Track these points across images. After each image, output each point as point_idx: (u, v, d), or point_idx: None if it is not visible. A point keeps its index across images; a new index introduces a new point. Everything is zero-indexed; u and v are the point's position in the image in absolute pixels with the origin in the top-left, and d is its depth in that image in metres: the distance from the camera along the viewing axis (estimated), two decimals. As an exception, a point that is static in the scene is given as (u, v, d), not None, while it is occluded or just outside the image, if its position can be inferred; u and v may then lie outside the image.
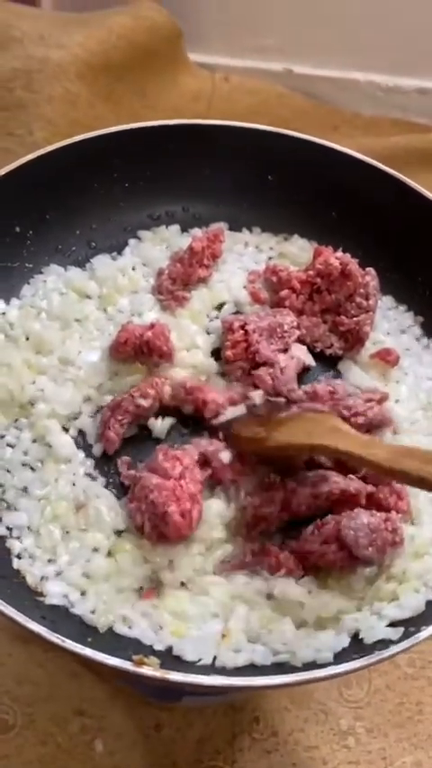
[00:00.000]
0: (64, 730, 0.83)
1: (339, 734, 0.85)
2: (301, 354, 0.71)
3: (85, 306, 0.75)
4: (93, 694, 0.85)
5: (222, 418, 0.66)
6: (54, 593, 0.59)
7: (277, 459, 0.65)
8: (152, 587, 0.60)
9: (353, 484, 0.61)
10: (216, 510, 0.62)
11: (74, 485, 0.64)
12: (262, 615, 0.56)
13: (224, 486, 0.64)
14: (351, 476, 0.63)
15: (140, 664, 0.46)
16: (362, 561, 0.58)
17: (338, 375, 0.74)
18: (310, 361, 0.73)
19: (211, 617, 0.56)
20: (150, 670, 0.45)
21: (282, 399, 0.66)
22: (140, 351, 0.70)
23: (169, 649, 0.54)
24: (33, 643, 0.89)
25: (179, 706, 0.84)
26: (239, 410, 0.66)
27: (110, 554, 0.61)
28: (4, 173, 0.72)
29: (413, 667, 0.90)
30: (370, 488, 0.62)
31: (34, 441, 0.67)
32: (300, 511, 0.62)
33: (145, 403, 0.67)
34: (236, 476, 0.64)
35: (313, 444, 0.60)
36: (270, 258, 0.83)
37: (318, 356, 0.75)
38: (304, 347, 0.73)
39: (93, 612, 0.58)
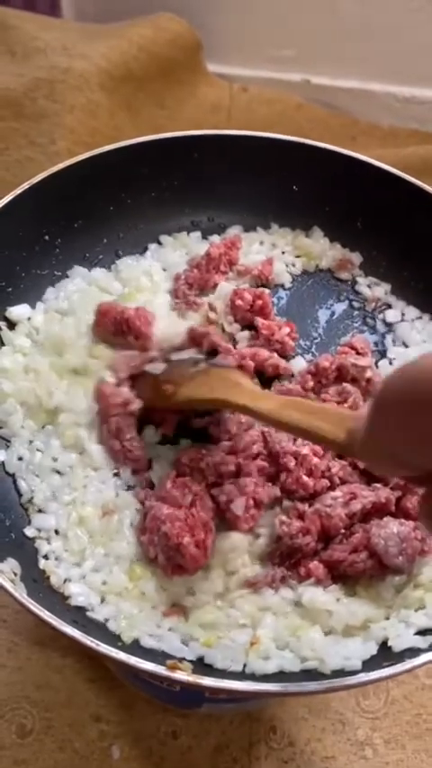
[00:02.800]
0: (81, 736, 0.83)
1: (356, 744, 0.85)
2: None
3: (105, 300, 0.75)
4: (110, 701, 0.86)
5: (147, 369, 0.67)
6: (77, 594, 0.59)
7: (185, 412, 0.67)
8: (174, 608, 0.60)
9: (382, 494, 0.61)
10: (240, 544, 0.61)
11: (101, 492, 0.65)
12: (290, 623, 0.56)
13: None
14: (376, 484, 0.63)
15: (174, 668, 0.46)
16: (391, 570, 0.57)
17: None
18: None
19: (240, 627, 0.56)
20: (184, 675, 0.46)
21: (191, 356, 0.66)
22: (120, 329, 0.71)
23: (200, 659, 0.54)
24: (51, 648, 0.89)
25: (196, 713, 0.84)
26: (158, 366, 0.67)
27: (131, 578, 0.61)
28: (35, 182, 0.72)
29: (431, 678, 0.89)
30: (396, 494, 0.62)
31: (64, 448, 0.67)
32: (337, 533, 0.61)
33: (134, 407, 0.66)
34: (251, 522, 0.62)
35: (213, 398, 0.62)
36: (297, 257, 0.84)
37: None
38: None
39: (114, 621, 0.58)
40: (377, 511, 0.60)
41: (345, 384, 0.68)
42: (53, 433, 0.68)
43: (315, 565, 0.58)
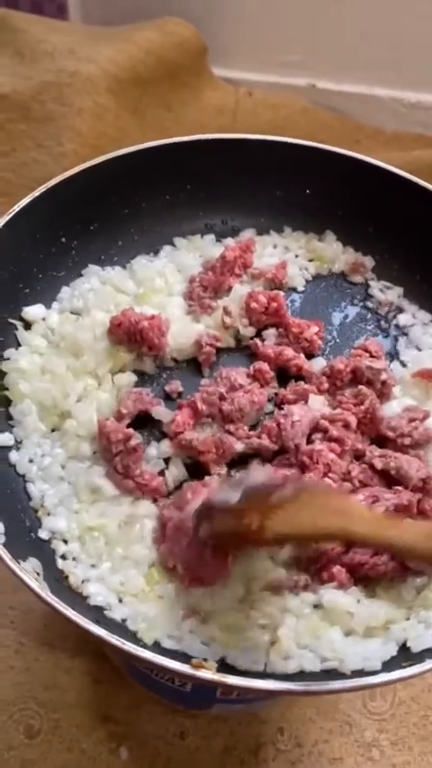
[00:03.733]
0: (89, 737, 0.83)
1: (364, 746, 0.85)
2: (319, 406, 0.68)
3: (120, 300, 0.76)
4: (119, 701, 0.86)
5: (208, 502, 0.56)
6: (95, 593, 0.59)
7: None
8: (193, 612, 0.59)
9: (404, 496, 0.61)
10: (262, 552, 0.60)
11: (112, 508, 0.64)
12: (310, 624, 0.56)
13: None
14: (397, 487, 0.63)
15: (199, 667, 0.46)
16: (413, 571, 0.57)
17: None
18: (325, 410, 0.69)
19: (260, 628, 0.56)
20: (209, 674, 0.46)
21: (278, 480, 0.54)
22: (134, 338, 0.70)
23: (220, 659, 0.55)
24: (59, 649, 0.89)
25: (204, 715, 0.84)
26: (228, 494, 0.53)
27: (148, 582, 0.61)
28: (51, 185, 0.73)
29: (438, 680, 0.90)
30: (417, 496, 0.62)
31: (69, 457, 0.67)
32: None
33: (135, 442, 0.65)
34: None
35: (323, 532, 0.51)
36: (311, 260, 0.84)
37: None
38: (322, 398, 0.70)
39: (133, 622, 0.58)
40: (399, 512, 0.60)
41: (360, 387, 0.69)
42: (60, 439, 0.68)
43: (338, 569, 0.58)
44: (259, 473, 0.55)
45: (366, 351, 0.72)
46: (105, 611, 0.58)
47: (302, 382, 0.71)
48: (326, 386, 0.70)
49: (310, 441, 0.66)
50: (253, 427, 0.69)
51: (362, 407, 0.66)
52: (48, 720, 0.85)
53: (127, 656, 0.45)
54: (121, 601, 0.59)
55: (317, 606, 0.58)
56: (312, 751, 0.85)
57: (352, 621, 0.56)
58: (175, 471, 0.66)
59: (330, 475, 0.62)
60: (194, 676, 0.45)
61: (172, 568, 0.59)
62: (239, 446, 0.66)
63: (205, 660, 0.50)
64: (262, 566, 0.58)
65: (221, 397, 0.67)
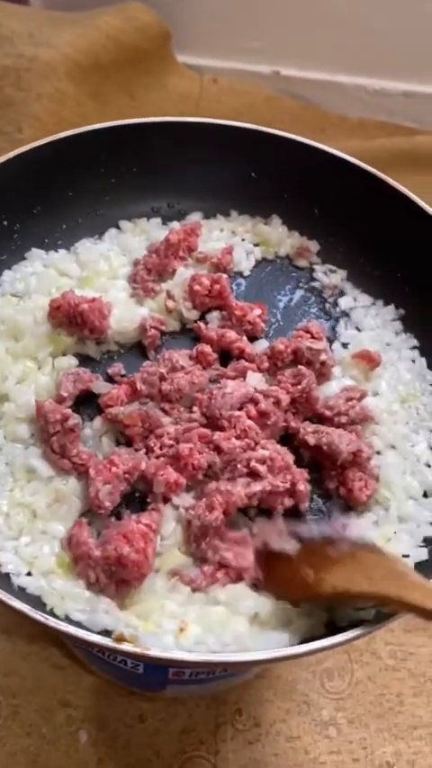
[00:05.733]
0: (48, 721, 0.84)
1: (321, 724, 0.86)
2: (256, 383, 0.69)
3: (63, 284, 0.75)
4: (77, 686, 0.86)
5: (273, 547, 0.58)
6: (6, 562, 0.59)
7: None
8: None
9: (281, 483, 0.62)
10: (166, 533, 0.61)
11: (46, 486, 0.64)
12: (217, 612, 0.57)
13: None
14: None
15: (121, 640, 0.47)
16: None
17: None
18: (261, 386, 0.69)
19: (171, 617, 0.56)
20: (130, 646, 0.46)
21: (322, 533, 0.56)
22: (74, 321, 0.70)
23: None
24: (17, 635, 0.89)
25: (163, 697, 0.85)
26: (292, 544, 0.56)
27: (59, 564, 0.60)
28: (-8, 166, 0.72)
29: (394, 659, 0.91)
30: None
31: (6, 439, 0.67)
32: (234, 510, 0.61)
33: (73, 422, 0.65)
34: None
35: (377, 594, 0.51)
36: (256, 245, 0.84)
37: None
38: (260, 375, 0.70)
39: (48, 597, 0.57)
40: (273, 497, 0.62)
41: (300, 367, 0.69)
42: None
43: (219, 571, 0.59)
44: (317, 526, 0.57)
45: (308, 332, 0.73)
46: (12, 579, 0.58)
47: (244, 362, 0.72)
48: (266, 365, 0.71)
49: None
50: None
51: (299, 387, 0.67)
52: (7, 706, 0.85)
53: (46, 628, 0.45)
54: (30, 574, 0.59)
55: (220, 599, 0.58)
56: (270, 730, 0.86)
57: (253, 614, 0.57)
58: (106, 449, 0.66)
59: (246, 440, 0.63)
60: (116, 649, 0.45)
61: (94, 583, 0.58)
62: (167, 420, 0.66)
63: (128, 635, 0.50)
64: (170, 555, 0.60)
65: (162, 378, 0.68)
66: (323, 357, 0.69)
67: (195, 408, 0.67)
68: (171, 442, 0.64)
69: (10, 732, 0.83)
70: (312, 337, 0.72)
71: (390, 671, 0.90)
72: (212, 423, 0.65)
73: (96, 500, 0.61)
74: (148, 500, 0.63)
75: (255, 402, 0.66)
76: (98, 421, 0.67)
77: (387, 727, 0.86)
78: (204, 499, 0.61)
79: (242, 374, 0.70)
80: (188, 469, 0.63)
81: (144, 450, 0.65)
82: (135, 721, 0.85)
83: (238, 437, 0.63)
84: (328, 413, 0.67)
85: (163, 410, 0.67)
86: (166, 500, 0.63)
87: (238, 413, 0.65)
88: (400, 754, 0.85)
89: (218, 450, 0.63)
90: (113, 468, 0.62)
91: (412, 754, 0.84)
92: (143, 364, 0.71)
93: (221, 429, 0.64)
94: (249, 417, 0.64)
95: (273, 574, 0.57)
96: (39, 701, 0.85)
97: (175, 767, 0.82)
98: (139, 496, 0.65)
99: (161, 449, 0.64)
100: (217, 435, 0.63)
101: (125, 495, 0.63)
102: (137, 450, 0.65)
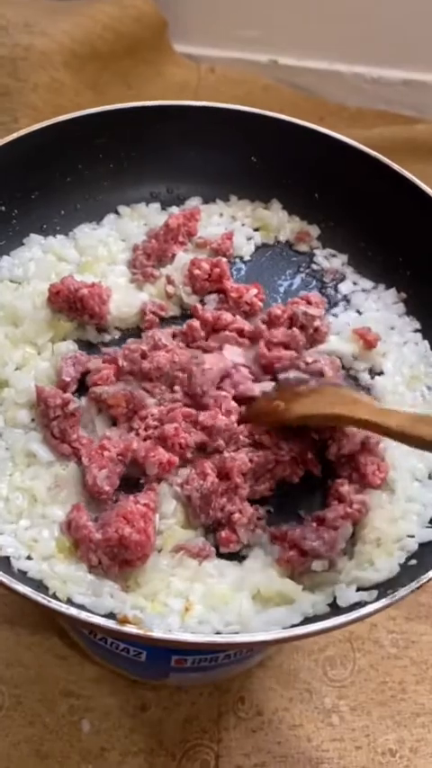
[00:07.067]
0: (51, 711, 0.84)
1: (324, 712, 0.86)
2: (235, 357, 0.70)
3: (62, 269, 0.75)
4: (80, 676, 0.86)
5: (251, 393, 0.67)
6: (5, 545, 0.59)
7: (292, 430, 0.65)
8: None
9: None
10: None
11: (47, 470, 0.64)
12: (221, 590, 0.57)
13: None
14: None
15: (124, 622, 0.46)
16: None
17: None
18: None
19: (175, 595, 0.57)
20: (134, 628, 0.46)
21: (297, 375, 0.67)
22: (74, 306, 0.70)
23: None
24: (20, 625, 0.89)
25: (165, 686, 0.85)
26: (267, 385, 0.67)
27: (59, 549, 0.60)
28: (-11, 151, 0.72)
29: (396, 647, 0.91)
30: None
31: (7, 425, 0.66)
32: (240, 474, 0.62)
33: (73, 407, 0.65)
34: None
35: (333, 414, 0.62)
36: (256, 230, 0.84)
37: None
38: (238, 348, 0.71)
39: (49, 580, 0.57)
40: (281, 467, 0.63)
41: (294, 329, 0.70)
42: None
43: (227, 533, 0.60)
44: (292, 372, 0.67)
45: (307, 300, 0.73)
46: (13, 562, 0.58)
47: (226, 332, 0.72)
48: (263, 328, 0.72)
49: (219, 388, 0.67)
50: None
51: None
52: (10, 696, 0.85)
53: (50, 611, 0.45)
54: (30, 558, 0.59)
55: (225, 573, 0.59)
56: (273, 719, 0.86)
57: (256, 590, 0.57)
58: (99, 431, 0.66)
59: (231, 417, 0.65)
60: (120, 631, 0.45)
61: (97, 565, 0.58)
62: (151, 401, 0.66)
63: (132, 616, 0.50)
64: (169, 530, 0.60)
65: (143, 355, 0.67)
66: (317, 323, 0.71)
67: (177, 388, 0.67)
68: (155, 423, 0.65)
69: (13, 722, 0.83)
70: (310, 304, 0.72)
71: (392, 659, 0.90)
72: (195, 401, 0.66)
73: (95, 486, 0.61)
74: (142, 480, 0.64)
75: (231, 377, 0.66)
76: (84, 400, 0.67)
77: (390, 714, 0.86)
78: (196, 469, 0.62)
79: (225, 343, 0.70)
80: (176, 449, 0.63)
81: (130, 431, 0.65)
82: (138, 710, 0.85)
83: (225, 414, 0.64)
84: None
85: (145, 389, 0.67)
86: (160, 479, 0.63)
87: (224, 393, 0.66)
88: (403, 742, 0.85)
89: (207, 429, 0.64)
90: (106, 453, 0.62)
91: (415, 742, 0.84)
92: (127, 341, 0.70)
93: (205, 407, 0.65)
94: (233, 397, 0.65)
95: (252, 409, 0.67)
96: (41, 690, 0.85)
97: (178, 756, 0.82)
98: (132, 478, 0.65)
99: (146, 430, 0.64)
100: (203, 416, 0.64)
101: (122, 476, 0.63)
102: (128, 430, 0.65)
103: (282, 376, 0.67)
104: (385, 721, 0.86)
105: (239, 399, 0.67)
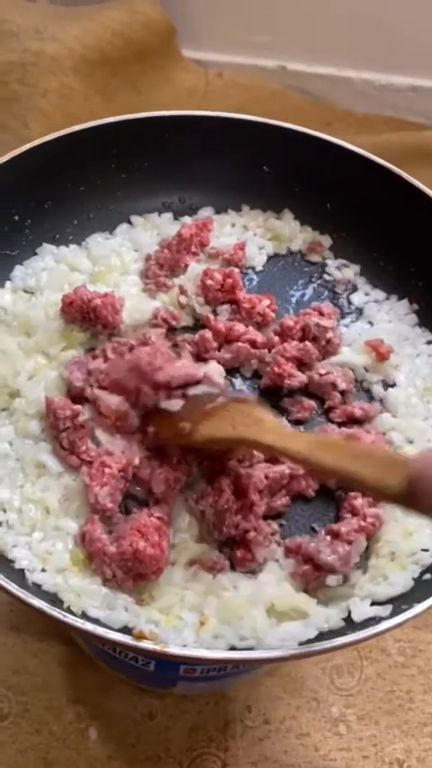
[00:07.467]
0: (58, 719, 0.84)
1: (331, 721, 0.86)
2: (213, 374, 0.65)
3: (74, 279, 0.75)
4: (87, 684, 0.86)
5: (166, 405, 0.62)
6: (20, 558, 0.59)
7: (203, 452, 0.63)
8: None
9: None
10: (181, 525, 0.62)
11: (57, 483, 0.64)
12: (236, 604, 0.57)
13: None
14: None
15: (140, 638, 0.46)
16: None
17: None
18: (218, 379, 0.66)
19: (189, 608, 0.57)
20: (150, 644, 0.46)
21: (208, 390, 0.61)
22: (87, 316, 0.70)
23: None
24: (27, 633, 0.89)
25: (172, 694, 0.85)
26: (175, 403, 0.61)
27: (74, 562, 0.60)
28: (3, 161, 0.72)
29: (404, 656, 0.91)
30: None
31: (18, 435, 0.66)
32: (256, 492, 0.62)
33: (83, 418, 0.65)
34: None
35: (237, 437, 0.59)
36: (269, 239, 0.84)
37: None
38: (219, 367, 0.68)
39: (64, 593, 0.57)
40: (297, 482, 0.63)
41: (306, 342, 0.70)
42: (8, 418, 0.67)
43: (242, 552, 0.60)
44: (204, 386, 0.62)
45: (319, 311, 0.73)
46: (27, 575, 0.58)
47: (239, 343, 0.72)
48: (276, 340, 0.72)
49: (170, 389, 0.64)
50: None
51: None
52: (17, 704, 0.85)
53: (67, 628, 0.45)
54: (44, 570, 0.59)
55: (240, 587, 0.59)
56: (280, 727, 0.86)
57: (270, 604, 0.57)
58: (101, 438, 0.66)
59: None
60: (136, 647, 0.45)
61: (111, 579, 0.58)
62: None
63: (148, 631, 0.50)
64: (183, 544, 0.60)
65: (131, 349, 0.67)
66: (329, 335, 0.70)
67: None
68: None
69: (20, 729, 0.83)
70: (322, 315, 0.73)
71: (399, 668, 0.90)
72: None
73: (98, 504, 0.60)
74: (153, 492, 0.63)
75: None
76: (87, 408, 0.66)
77: (397, 723, 0.86)
78: (212, 485, 0.62)
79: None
80: (182, 466, 0.63)
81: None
82: (144, 718, 0.85)
83: None
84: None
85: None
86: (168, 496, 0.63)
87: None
88: (411, 751, 0.84)
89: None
90: (107, 470, 0.61)
91: (422, 751, 0.84)
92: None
93: None
94: None
95: (161, 428, 0.62)
96: (48, 698, 0.85)
97: (184, 764, 0.82)
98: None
99: (148, 449, 0.64)
100: None
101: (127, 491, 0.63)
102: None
103: (191, 392, 0.61)
104: (393, 731, 0.86)
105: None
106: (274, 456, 0.59)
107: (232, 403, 0.61)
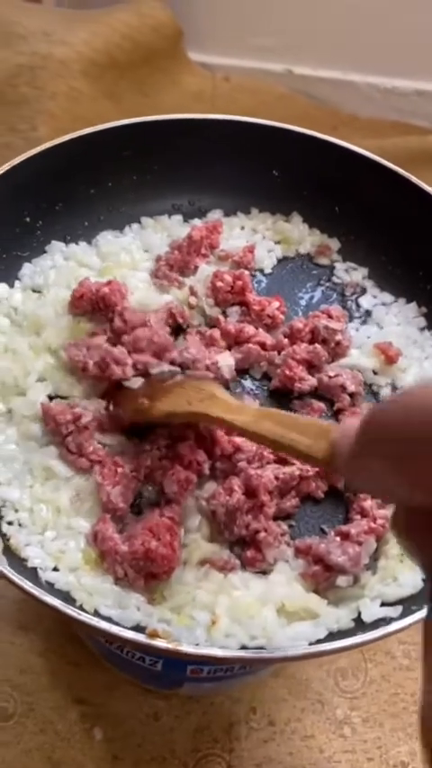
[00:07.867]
0: (63, 718, 0.84)
1: (335, 723, 0.86)
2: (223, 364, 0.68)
3: (82, 274, 0.75)
4: (93, 684, 0.86)
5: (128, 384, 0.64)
6: (33, 556, 0.59)
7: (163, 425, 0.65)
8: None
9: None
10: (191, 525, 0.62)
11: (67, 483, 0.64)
12: (247, 603, 0.57)
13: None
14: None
15: (154, 636, 0.47)
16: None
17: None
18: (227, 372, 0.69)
19: (201, 608, 0.57)
20: (164, 642, 0.46)
21: (169, 369, 0.64)
22: (97, 306, 0.70)
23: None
24: (33, 632, 0.89)
25: (177, 695, 0.85)
26: (136, 381, 0.64)
27: (86, 561, 0.60)
28: (16, 163, 0.72)
29: (408, 658, 0.91)
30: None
31: (21, 437, 0.66)
32: (267, 492, 0.62)
33: (86, 420, 0.65)
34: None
35: (190, 411, 0.61)
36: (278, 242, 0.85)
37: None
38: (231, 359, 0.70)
39: (76, 592, 0.58)
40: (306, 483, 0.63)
41: (315, 345, 0.70)
42: (12, 419, 0.67)
43: (252, 552, 0.60)
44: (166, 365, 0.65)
45: (328, 314, 0.74)
46: (40, 573, 0.58)
47: (249, 345, 0.72)
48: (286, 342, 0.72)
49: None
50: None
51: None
52: (22, 703, 0.85)
53: (80, 625, 0.45)
54: (56, 569, 0.59)
55: (250, 586, 0.59)
56: (285, 729, 0.86)
57: (281, 603, 0.57)
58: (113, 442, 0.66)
59: None
60: (150, 646, 0.45)
61: (122, 578, 0.58)
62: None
63: (161, 630, 0.50)
64: (194, 543, 0.60)
65: (133, 328, 0.67)
66: (338, 337, 0.71)
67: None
68: (166, 441, 0.64)
69: (25, 729, 0.83)
70: (331, 318, 0.73)
71: (404, 670, 0.90)
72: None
73: (110, 504, 0.61)
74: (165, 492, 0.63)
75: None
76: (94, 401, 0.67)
77: (402, 726, 0.86)
78: (223, 485, 0.62)
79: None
80: (193, 466, 0.63)
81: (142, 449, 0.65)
82: (150, 719, 0.85)
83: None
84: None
85: None
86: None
87: None
88: (415, 754, 0.84)
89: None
90: (119, 470, 0.62)
91: (427, 754, 0.84)
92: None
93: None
94: None
95: (122, 405, 0.66)
96: (54, 698, 0.85)
97: (189, 765, 0.82)
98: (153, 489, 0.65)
99: (159, 449, 0.64)
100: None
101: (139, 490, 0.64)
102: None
103: (154, 370, 0.64)
104: (397, 733, 0.86)
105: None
106: (229, 429, 0.61)
107: (189, 381, 0.64)
